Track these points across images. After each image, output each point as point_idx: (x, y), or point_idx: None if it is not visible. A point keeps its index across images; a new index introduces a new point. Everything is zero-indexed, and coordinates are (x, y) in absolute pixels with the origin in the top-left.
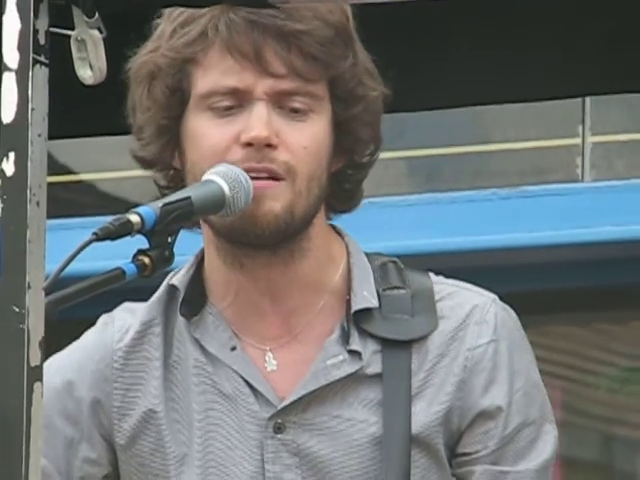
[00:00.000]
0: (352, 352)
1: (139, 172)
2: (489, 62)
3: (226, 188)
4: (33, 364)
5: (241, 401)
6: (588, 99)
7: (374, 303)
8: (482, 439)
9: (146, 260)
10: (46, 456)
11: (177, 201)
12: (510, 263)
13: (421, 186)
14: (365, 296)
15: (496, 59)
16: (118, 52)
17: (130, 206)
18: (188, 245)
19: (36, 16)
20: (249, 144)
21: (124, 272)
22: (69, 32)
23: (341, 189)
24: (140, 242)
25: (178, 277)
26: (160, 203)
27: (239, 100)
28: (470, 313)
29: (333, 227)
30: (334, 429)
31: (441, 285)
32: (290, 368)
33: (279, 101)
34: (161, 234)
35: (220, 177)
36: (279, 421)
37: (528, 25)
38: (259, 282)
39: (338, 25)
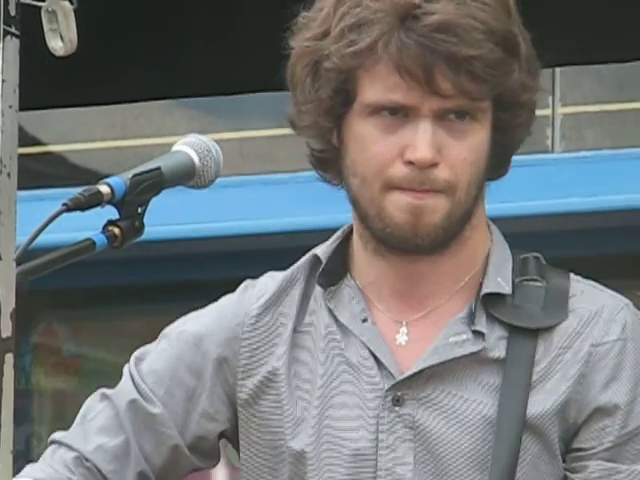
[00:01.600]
0: (476, 333)
1: (108, 143)
2: None
3: (196, 158)
4: (4, 335)
5: (364, 371)
6: (558, 70)
7: (507, 290)
8: (598, 435)
9: (116, 231)
10: (166, 406)
11: (147, 172)
12: None
13: None
14: (498, 282)
15: None
16: (88, 23)
17: (100, 177)
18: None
19: None
20: (412, 162)
21: (94, 243)
22: (40, 3)
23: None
24: (110, 213)
25: (322, 248)
26: (130, 174)
27: (405, 113)
28: (600, 311)
29: None
30: (450, 407)
31: (578, 283)
32: (418, 344)
33: (443, 116)
34: (131, 205)
35: (190, 147)
36: (398, 394)
37: None
38: (401, 272)
39: (507, 38)
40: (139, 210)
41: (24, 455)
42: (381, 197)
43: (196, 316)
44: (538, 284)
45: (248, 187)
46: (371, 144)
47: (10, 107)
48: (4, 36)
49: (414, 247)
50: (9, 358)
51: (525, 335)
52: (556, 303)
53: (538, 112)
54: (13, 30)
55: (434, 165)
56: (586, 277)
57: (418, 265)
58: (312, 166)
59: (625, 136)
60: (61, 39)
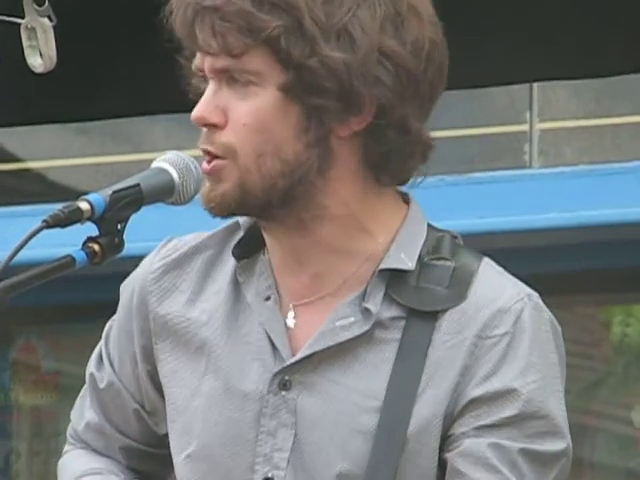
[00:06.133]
0: (367, 312)
1: (87, 160)
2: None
3: (175, 175)
4: None
5: (257, 351)
6: (535, 86)
7: (409, 265)
8: (470, 421)
9: (96, 247)
10: (120, 375)
11: (126, 188)
12: None
13: None
14: (401, 258)
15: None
16: (68, 40)
17: (78, 194)
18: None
19: None
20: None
21: (74, 259)
22: (19, 20)
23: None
24: (90, 230)
25: (246, 217)
26: (109, 190)
27: (206, 79)
28: (496, 298)
29: (402, 195)
30: (335, 396)
31: (487, 267)
32: (309, 327)
33: (229, 77)
34: (111, 221)
35: (169, 164)
36: (286, 378)
37: (476, 11)
38: (282, 244)
39: None
40: (119, 227)
41: (4, 472)
42: None
43: (131, 278)
44: (447, 263)
45: None
46: None
47: None
48: None
49: (220, 215)
50: None
51: (422, 318)
52: (458, 284)
53: (516, 127)
54: None
55: (218, 126)
56: (565, 293)
57: (291, 235)
58: None
59: (603, 152)
60: (40, 56)
